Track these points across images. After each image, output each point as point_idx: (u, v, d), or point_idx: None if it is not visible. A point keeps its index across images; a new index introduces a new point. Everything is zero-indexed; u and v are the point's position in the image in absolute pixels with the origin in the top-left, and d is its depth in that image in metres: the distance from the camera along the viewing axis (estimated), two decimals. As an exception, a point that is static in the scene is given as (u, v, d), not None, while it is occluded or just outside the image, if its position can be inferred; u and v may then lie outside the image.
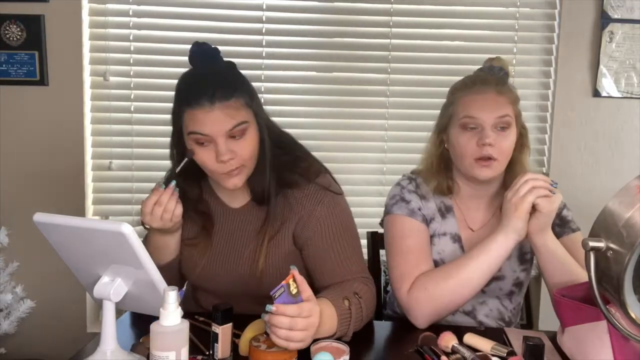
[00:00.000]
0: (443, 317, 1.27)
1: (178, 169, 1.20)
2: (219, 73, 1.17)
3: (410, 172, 1.45)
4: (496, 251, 1.22)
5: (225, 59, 1.23)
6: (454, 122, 1.32)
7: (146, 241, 1.26)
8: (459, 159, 1.32)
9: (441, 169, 1.38)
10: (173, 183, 1.17)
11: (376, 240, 1.65)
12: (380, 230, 1.46)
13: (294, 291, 1.01)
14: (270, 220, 1.24)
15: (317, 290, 1.22)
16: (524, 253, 1.39)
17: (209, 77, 1.15)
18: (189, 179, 1.27)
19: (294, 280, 1.01)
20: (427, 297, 1.23)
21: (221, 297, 1.29)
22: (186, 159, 1.17)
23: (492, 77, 1.33)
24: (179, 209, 1.18)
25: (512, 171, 1.35)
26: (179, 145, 1.22)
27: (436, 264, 1.35)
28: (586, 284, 1.04)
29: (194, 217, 1.30)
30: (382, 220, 1.43)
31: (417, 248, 1.31)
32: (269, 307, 0.97)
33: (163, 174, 1.42)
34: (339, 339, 1.09)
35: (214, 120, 1.12)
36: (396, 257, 1.31)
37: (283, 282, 1.00)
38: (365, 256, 1.44)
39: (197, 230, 1.30)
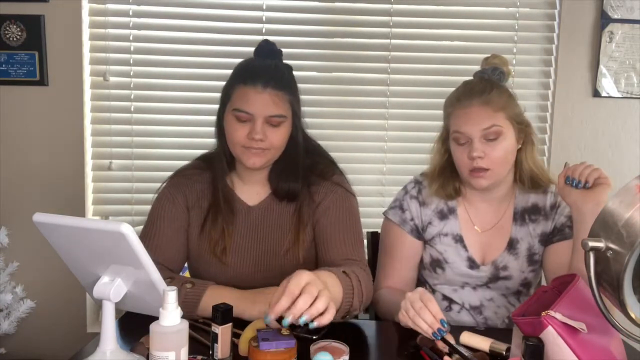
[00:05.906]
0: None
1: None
2: (278, 68, 1.29)
3: (420, 173, 1.48)
4: None
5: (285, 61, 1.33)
6: (450, 136, 1.36)
7: (202, 291, 1.21)
8: (458, 170, 1.37)
9: (447, 174, 1.41)
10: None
11: (376, 241, 1.64)
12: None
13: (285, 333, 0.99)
14: (301, 214, 1.33)
15: None
16: (533, 254, 1.39)
17: (270, 67, 1.27)
18: (220, 175, 1.33)
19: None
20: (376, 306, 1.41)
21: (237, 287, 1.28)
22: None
23: (477, 87, 1.33)
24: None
25: (521, 169, 1.38)
26: (219, 121, 1.31)
27: (439, 262, 1.41)
28: (536, 296, 1.09)
29: (220, 212, 1.32)
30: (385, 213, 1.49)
31: (399, 260, 1.44)
32: (267, 319, 0.95)
33: (163, 173, 1.42)
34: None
35: (261, 102, 1.22)
36: (383, 265, 1.46)
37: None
38: (366, 256, 1.45)
39: (220, 227, 1.32)
